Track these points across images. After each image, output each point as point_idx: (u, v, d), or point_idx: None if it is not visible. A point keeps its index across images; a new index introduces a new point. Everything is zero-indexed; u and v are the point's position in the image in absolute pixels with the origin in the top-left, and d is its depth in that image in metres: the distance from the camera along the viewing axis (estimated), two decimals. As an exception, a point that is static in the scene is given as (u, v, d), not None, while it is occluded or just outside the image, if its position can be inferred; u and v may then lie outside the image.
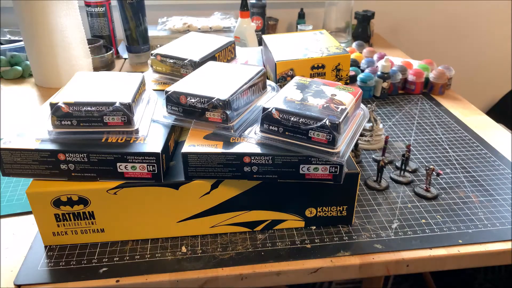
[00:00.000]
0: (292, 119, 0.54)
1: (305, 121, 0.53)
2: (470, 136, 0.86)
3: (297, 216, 0.60)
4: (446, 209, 0.66)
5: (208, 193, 0.57)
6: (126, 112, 0.55)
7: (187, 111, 0.59)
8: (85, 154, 0.54)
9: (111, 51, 1.18)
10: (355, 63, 1.11)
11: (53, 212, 0.55)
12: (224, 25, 1.32)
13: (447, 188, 0.70)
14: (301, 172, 0.55)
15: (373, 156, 0.80)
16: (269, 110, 0.55)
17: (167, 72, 0.75)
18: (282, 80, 0.74)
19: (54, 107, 0.54)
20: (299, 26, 1.32)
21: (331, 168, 0.55)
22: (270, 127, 0.56)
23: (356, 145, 0.78)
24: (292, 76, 0.74)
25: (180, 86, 0.59)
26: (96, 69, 1.14)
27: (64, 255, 0.56)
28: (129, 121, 0.56)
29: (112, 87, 0.60)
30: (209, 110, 0.57)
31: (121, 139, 0.56)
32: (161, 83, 0.75)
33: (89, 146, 0.54)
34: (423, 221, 0.63)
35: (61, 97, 0.56)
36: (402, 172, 0.73)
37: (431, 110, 0.98)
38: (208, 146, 0.55)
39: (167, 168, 0.57)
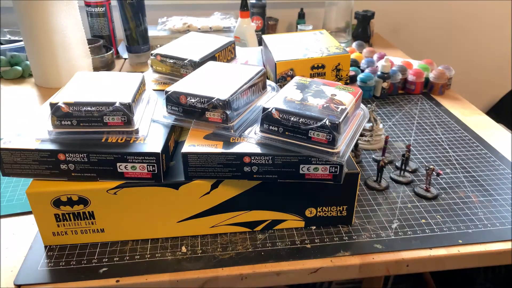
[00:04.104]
0: (292, 119, 0.54)
1: (305, 121, 0.53)
2: (470, 136, 0.86)
3: (297, 216, 0.60)
4: (446, 209, 0.66)
5: (208, 193, 0.57)
6: (126, 112, 0.55)
7: (187, 111, 0.59)
8: (85, 154, 0.54)
9: (111, 51, 1.18)
10: (355, 63, 1.11)
11: (53, 212, 0.55)
12: (224, 25, 1.32)
13: (447, 188, 0.70)
14: (301, 172, 0.55)
15: (373, 156, 0.80)
16: (269, 110, 0.55)
17: (167, 72, 0.75)
18: (282, 80, 0.74)
19: (54, 107, 0.54)
20: (299, 26, 1.32)
21: (331, 168, 0.55)
22: (270, 127, 0.56)
23: (356, 145, 0.78)
24: (292, 76, 0.74)
25: (180, 86, 0.59)
26: (96, 69, 1.14)
27: (64, 255, 0.56)
28: (129, 121, 0.56)
29: (112, 87, 0.60)
30: (209, 110, 0.57)
31: (121, 139, 0.56)
32: (161, 83, 0.75)
33: (89, 146, 0.54)
34: (423, 221, 0.63)
35: (61, 97, 0.56)
36: (402, 172, 0.73)
37: (431, 110, 0.98)
38: (208, 146, 0.55)
39: (167, 168, 0.57)
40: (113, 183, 0.55)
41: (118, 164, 0.54)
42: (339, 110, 0.55)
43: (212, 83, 0.61)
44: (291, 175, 0.55)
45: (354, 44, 1.28)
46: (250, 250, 0.57)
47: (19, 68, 1.13)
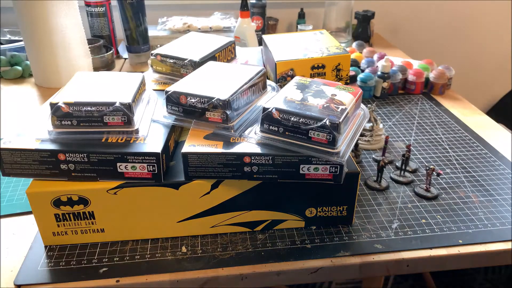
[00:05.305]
0: (292, 119, 0.54)
1: (305, 121, 0.53)
2: (470, 136, 0.86)
3: (297, 216, 0.60)
4: (446, 209, 0.66)
5: (208, 193, 0.57)
6: (126, 112, 0.55)
7: (187, 111, 0.59)
8: (85, 154, 0.54)
9: (111, 51, 1.18)
10: (355, 63, 1.11)
11: (53, 212, 0.55)
12: (224, 25, 1.32)
13: (447, 188, 0.70)
14: (301, 172, 0.55)
15: (373, 156, 0.80)
16: (269, 110, 0.55)
17: (167, 72, 0.75)
18: (282, 80, 0.74)
19: (54, 107, 0.54)
20: (299, 26, 1.32)
21: (331, 168, 0.55)
22: (270, 127, 0.56)
23: (356, 145, 0.78)
24: (292, 76, 0.74)
25: (180, 86, 0.59)
26: (96, 69, 1.14)
27: (64, 255, 0.56)
28: (129, 121, 0.56)
29: (112, 87, 0.60)
30: (209, 110, 0.57)
31: (121, 139, 0.56)
32: (161, 83, 0.75)
33: (89, 146, 0.54)
34: (423, 221, 0.63)
35: (61, 97, 0.56)
36: (402, 172, 0.73)
37: (431, 110, 0.98)
38: (208, 146, 0.55)
39: (167, 168, 0.57)
40: (113, 183, 0.55)
41: (118, 164, 0.54)
42: (339, 110, 0.55)
43: (212, 83, 0.61)
44: (291, 175, 0.55)
45: (354, 44, 1.28)
46: (250, 250, 0.57)
47: (19, 68, 1.13)
